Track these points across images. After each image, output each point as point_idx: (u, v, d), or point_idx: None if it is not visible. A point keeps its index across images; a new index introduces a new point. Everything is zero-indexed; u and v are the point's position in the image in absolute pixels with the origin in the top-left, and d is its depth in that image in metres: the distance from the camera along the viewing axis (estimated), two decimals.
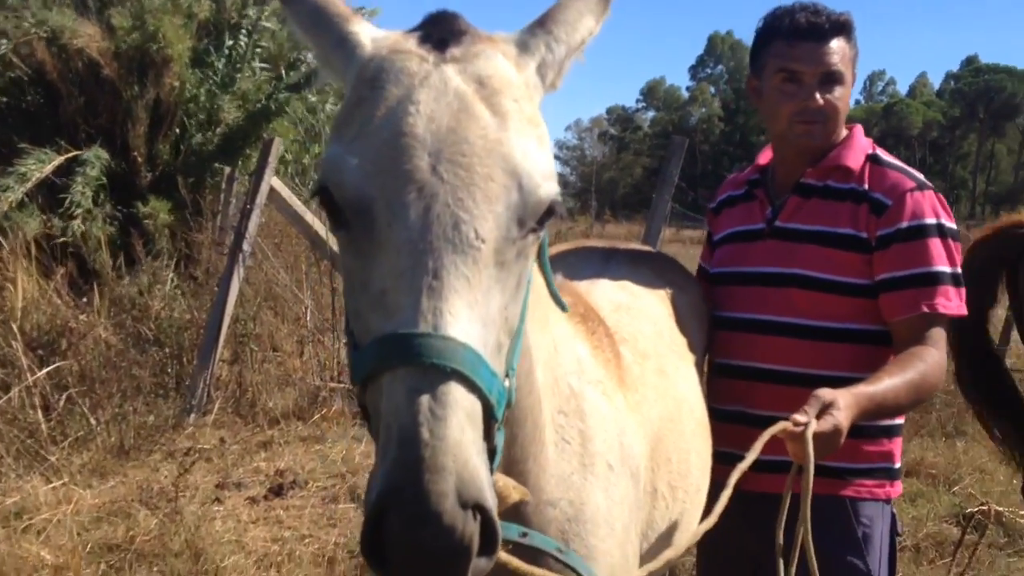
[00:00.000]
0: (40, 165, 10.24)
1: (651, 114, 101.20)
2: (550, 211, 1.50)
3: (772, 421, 2.25)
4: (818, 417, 2.22)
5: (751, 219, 2.99)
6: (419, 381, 1.30)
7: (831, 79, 2.76)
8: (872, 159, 2.82)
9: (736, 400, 2.84)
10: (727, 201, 3.19)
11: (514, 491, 1.66)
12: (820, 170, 2.83)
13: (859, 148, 2.85)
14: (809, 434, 2.16)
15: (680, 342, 2.71)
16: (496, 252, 1.42)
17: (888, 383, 2.44)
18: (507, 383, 1.48)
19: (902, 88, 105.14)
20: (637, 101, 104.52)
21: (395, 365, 1.33)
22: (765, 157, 3.10)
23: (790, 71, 2.77)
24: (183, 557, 5.17)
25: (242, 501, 6.26)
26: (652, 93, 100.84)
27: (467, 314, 1.36)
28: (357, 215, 1.45)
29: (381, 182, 1.42)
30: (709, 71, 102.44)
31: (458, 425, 1.28)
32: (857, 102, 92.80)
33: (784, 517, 2.27)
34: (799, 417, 2.21)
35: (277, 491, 6.41)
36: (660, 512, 2.32)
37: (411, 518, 1.23)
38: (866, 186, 2.75)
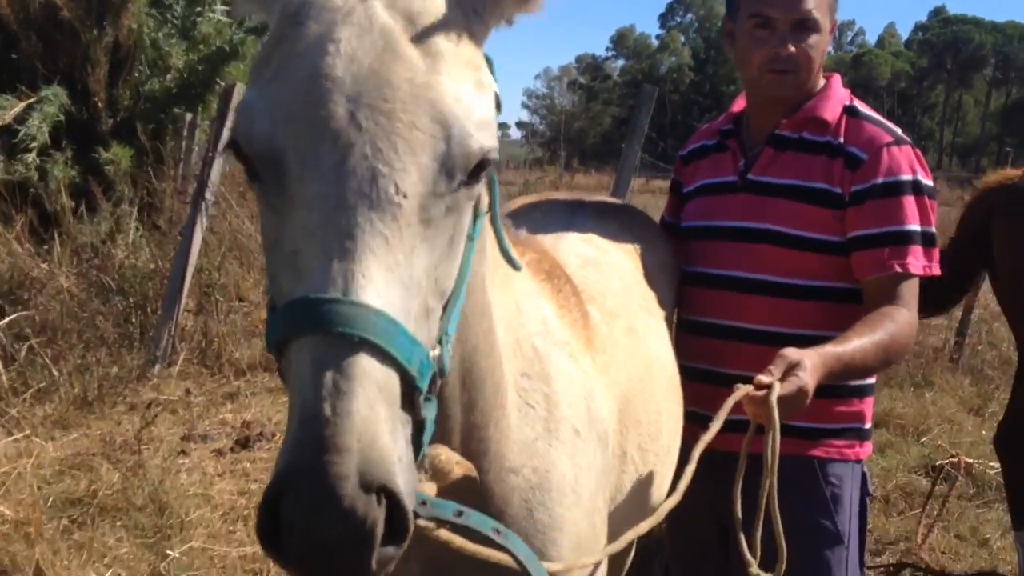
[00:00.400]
0: (1, 112, 9.96)
1: (621, 63, 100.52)
2: (483, 163, 1.38)
3: (740, 380, 2.22)
4: (783, 378, 2.18)
5: (723, 171, 2.92)
6: (324, 352, 1.21)
7: (805, 26, 2.67)
8: (849, 111, 2.75)
9: (704, 358, 2.80)
10: (698, 151, 3.11)
11: (457, 466, 1.58)
12: (795, 121, 2.76)
13: (836, 99, 2.78)
14: (773, 398, 2.11)
15: (650, 297, 2.65)
16: (421, 208, 1.31)
17: (856, 343, 2.40)
18: (437, 351, 1.37)
19: (871, 38, 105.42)
20: (607, 49, 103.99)
21: (301, 333, 1.23)
22: (739, 105, 3.02)
23: (762, 16, 2.68)
24: (147, 511, 5.11)
25: (208, 454, 6.19)
26: (622, 41, 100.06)
27: (384, 277, 1.25)
28: (267, 168, 1.33)
29: (293, 130, 1.30)
30: (679, 19, 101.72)
31: (365, 400, 1.18)
32: (827, 52, 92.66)
33: (740, 481, 2.22)
34: (763, 378, 2.17)
35: (244, 443, 6.35)
36: (629, 476, 2.27)
37: (307, 502, 1.14)
38: (842, 139, 2.69)
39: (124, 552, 4.74)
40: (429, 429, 1.36)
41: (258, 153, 1.33)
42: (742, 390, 2.17)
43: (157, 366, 7.70)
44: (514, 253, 1.72)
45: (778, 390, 2.13)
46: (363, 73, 1.31)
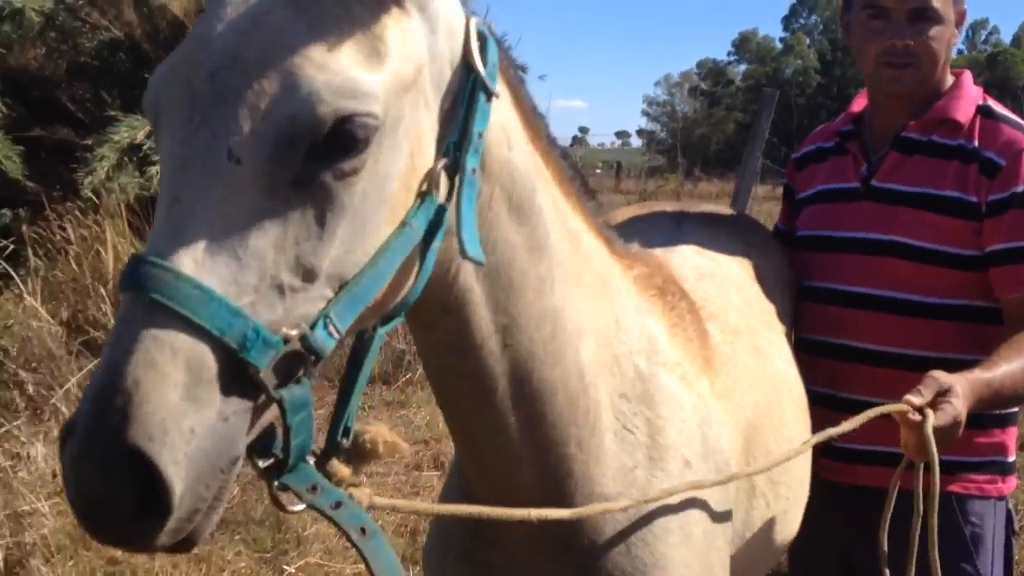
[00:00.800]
0: (132, 132, 10.36)
1: (743, 67, 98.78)
2: (342, 135, 1.27)
3: (863, 405, 2.03)
4: (933, 403, 1.97)
5: (843, 177, 2.71)
6: (126, 311, 1.19)
7: (923, 16, 2.45)
8: (983, 111, 2.52)
9: (823, 381, 2.57)
10: (814, 154, 2.89)
11: (383, 446, 1.48)
12: (924, 123, 2.54)
13: (968, 98, 2.54)
14: (929, 428, 1.90)
15: (770, 311, 2.47)
16: (259, 176, 1.24)
17: (1005, 369, 2.16)
18: (296, 331, 1.24)
19: (1006, 37, 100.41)
20: (729, 54, 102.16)
21: (121, 290, 1.23)
22: (859, 104, 2.81)
23: (876, 6, 2.48)
24: (265, 525, 5.16)
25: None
26: (744, 45, 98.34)
27: (205, 244, 1.20)
28: (153, 131, 1.35)
29: (168, 93, 1.31)
30: (803, 21, 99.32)
31: (144, 363, 1.14)
32: (960, 52, 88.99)
33: (887, 523, 2.05)
34: (913, 399, 1.95)
35: None
36: (759, 512, 2.10)
37: (71, 453, 1.15)
38: (976, 143, 2.46)
39: (242, 567, 4.79)
40: (297, 411, 1.27)
41: (147, 116, 1.37)
42: (891, 406, 1.96)
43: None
44: (476, 247, 1.48)
45: (933, 419, 1.93)
46: (233, 35, 1.29)
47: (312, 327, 1.26)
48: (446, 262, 1.49)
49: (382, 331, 1.46)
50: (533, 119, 1.71)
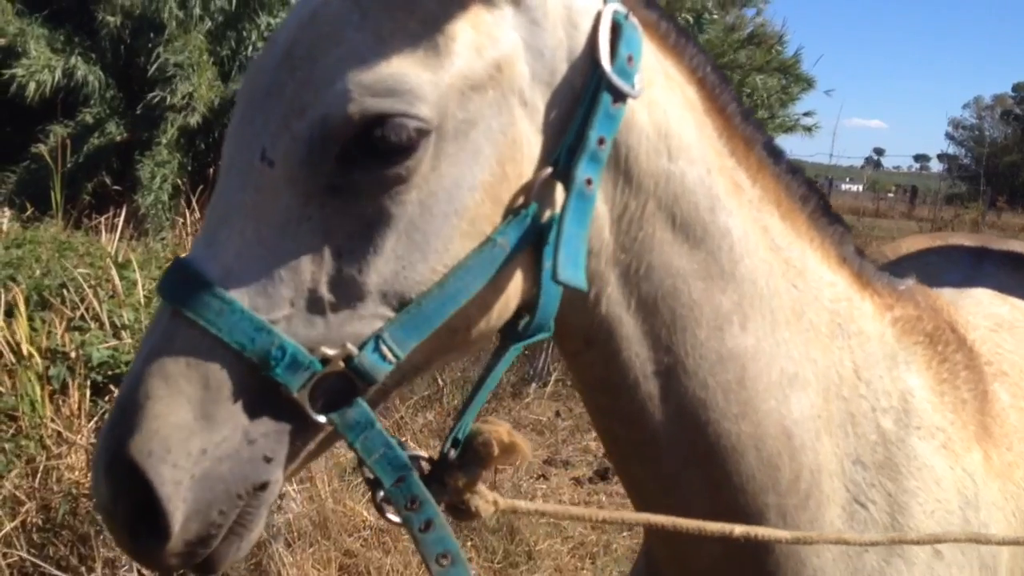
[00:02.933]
0: None
1: None
2: (375, 138, 1.13)
3: None
4: None
5: None
6: (156, 317, 1.16)
7: None
8: None
9: None
10: None
11: (498, 447, 1.27)
12: None
13: None
14: None
15: None
16: (295, 180, 1.14)
17: None
18: (336, 351, 1.14)
19: None
20: None
21: (157, 293, 1.19)
22: None
23: None
24: (499, 534, 5.04)
25: (567, 481, 6.08)
26: None
27: (236, 252, 1.13)
28: None
29: (240, 89, 1.27)
30: None
31: (160, 375, 1.09)
32: None
33: None
34: None
35: (603, 475, 6.16)
36: None
37: (92, 462, 1.14)
38: None
39: (473, 575, 4.68)
40: (356, 433, 1.17)
41: None
42: None
43: (533, 384, 7.77)
44: (575, 269, 1.26)
45: None
46: (294, 27, 1.20)
47: (361, 348, 1.16)
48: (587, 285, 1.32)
49: (518, 345, 1.31)
50: (741, 128, 1.45)
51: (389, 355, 1.17)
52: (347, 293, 1.15)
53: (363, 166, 1.14)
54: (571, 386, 7.93)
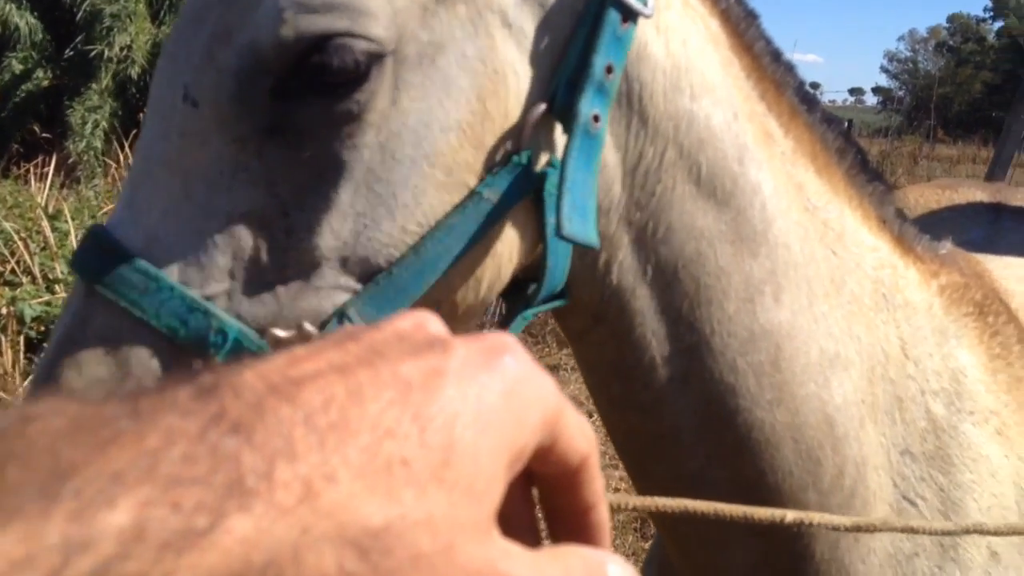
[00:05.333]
0: None
1: (999, 24, 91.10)
2: (315, 66, 0.91)
3: None
4: None
5: None
6: (71, 296, 0.97)
7: None
8: None
9: None
10: None
11: None
12: None
13: None
14: None
15: None
16: (223, 123, 0.92)
17: None
18: (290, 333, 0.92)
19: None
20: (985, 10, 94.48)
21: (71, 268, 0.99)
22: None
23: None
24: None
25: None
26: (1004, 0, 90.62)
27: (161, 213, 0.93)
28: None
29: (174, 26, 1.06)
30: None
31: (72, 364, 0.90)
32: None
33: None
34: None
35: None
36: None
37: None
38: None
39: None
40: None
41: None
42: None
43: (487, 331, 7.69)
44: (585, 224, 1.06)
45: None
46: None
47: (322, 327, 0.94)
48: (591, 251, 1.11)
49: (527, 313, 1.10)
50: (771, 70, 1.27)
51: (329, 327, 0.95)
52: (298, 260, 0.95)
53: (305, 101, 0.93)
54: (523, 332, 7.88)
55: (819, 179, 1.31)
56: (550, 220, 1.03)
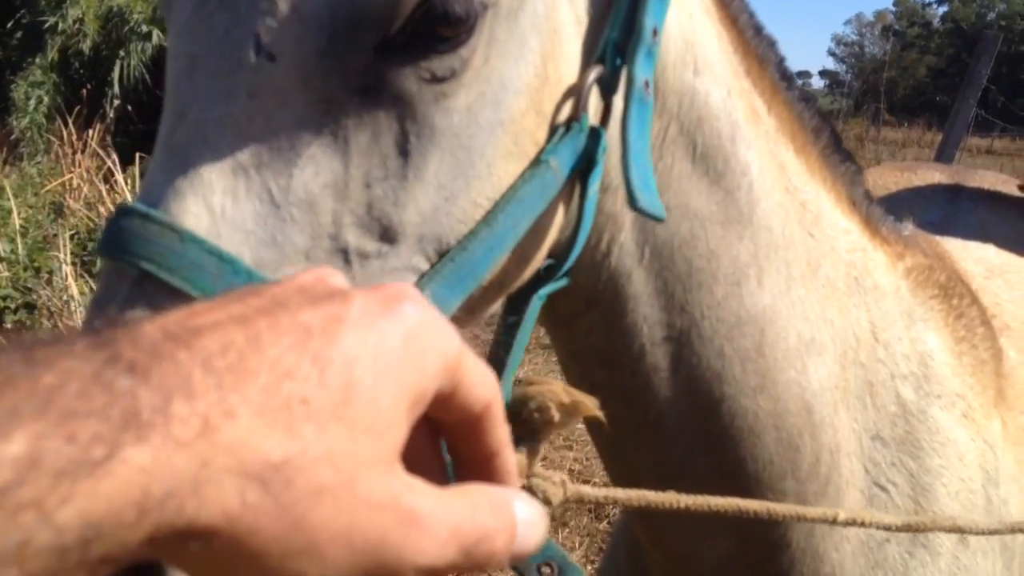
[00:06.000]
0: None
1: (944, 9, 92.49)
2: (432, 16, 0.81)
3: None
4: None
5: None
6: (104, 287, 0.79)
7: None
8: None
9: None
10: None
11: (558, 409, 0.97)
12: None
13: None
14: None
15: None
16: (309, 80, 0.80)
17: None
18: None
19: None
20: None
21: (101, 254, 0.81)
22: None
23: None
24: None
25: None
26: None
27: (224, 186, 0.79)
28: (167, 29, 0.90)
29: None
30: None
31: None
32: None
33: None
34: None
35: None
36: None
37: None
38: None
39: None
40: None
41: (160, 8, 0.94)
42: None
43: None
44: (653, 195, 1.02)
45: None
46: None
47: None
48: (596, 230, 1.06)
49: (541, 294, 1.03)
50: (755, 44, 1.23)
51: None
52: (379, 238, 0.85)
53: (409, 56, 0.82)
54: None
55: (798, 159, 1.28)
56: (592, 190, 0.98)
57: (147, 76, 11.44)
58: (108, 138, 9.88)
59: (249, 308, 0.49)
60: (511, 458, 0.63)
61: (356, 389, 0.48)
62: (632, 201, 0.97)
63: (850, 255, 1.33)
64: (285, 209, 0.80)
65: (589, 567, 4.25)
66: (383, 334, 0.51)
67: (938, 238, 1.74)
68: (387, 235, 0.85)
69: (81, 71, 11.08)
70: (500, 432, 0.61)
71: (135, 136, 10.40)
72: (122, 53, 11.05)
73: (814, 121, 1.33)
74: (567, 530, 4.48)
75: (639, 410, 1.19)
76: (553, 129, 0.94)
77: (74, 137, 9.06)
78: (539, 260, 1.00)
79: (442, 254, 0.87)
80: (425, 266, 0.87)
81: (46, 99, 10.33)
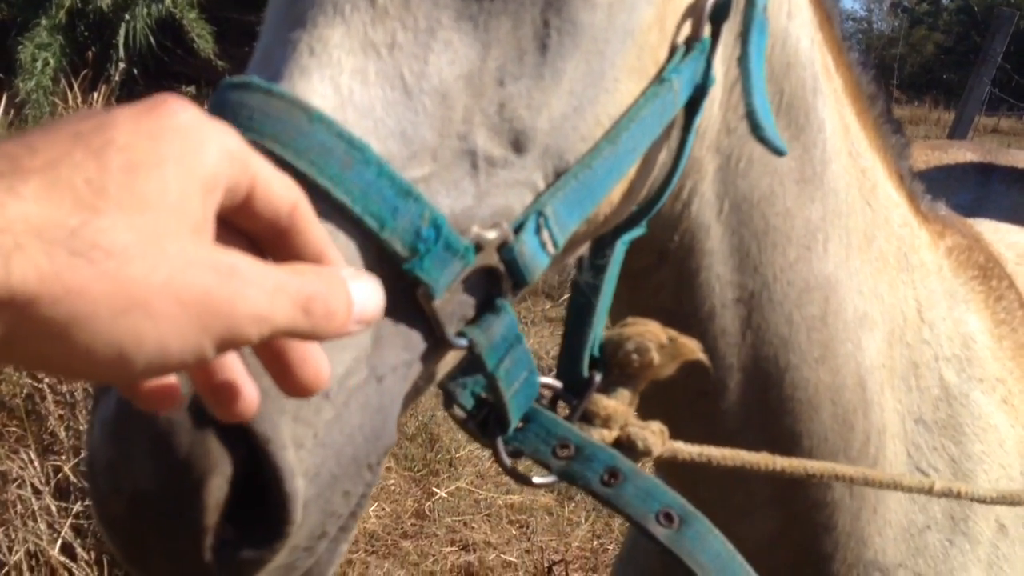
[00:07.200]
0: None
1: None
2: None
3: None
4: None
5: None
6: None
7: None
8: None
9: None
10: None
11: (658, 351, 0.94)
12: None
13: None
14: None
15: None
16: None
17: None
18: (495, 234, 0.76)
19: None
20: None
21: None
22: None
23: None
24: (418, 441, 4.98)
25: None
26: None
27: (354, 65, 0.71)
28: None
29: None
30: None
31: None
32: None
33: None
34: None
35: None
36: None
37: (102, 422, 0.66)
38: None
39: (391, 483, 4.61)
40: (500, 355, 0.78)
41: None
42: None
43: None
44: (776, 136, 0.96)
45: None
46: None
47: (517, 230, 0.77)
48: (681, 176, 0.99)
49: (626, 239, 0.97)
50: None
51: (549, 244, 0.79)
52: (508, 143, 0.77)
53: None
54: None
55: (858, 123, 1.24)
56: (695, 126, 0.93)
57: (152, 39, 11.37)
58: (113, 101, 9.84)
59: (24, 136, 0.50)
60: (338, 257, 0.59)
61: (139, 171, 0.49)
62: (756, 129, 0.93)
63: (901, 229, 1.30)
64: (417, 99, 0.72)
65: (595, 542, 4.25)
66: (153, 127, 0.51)
67: (970, 220, 1.71)
68: (517, 142, 0.77)
69: (87, 33, 11.00)
70: (316, 231, 0.59)
71: (140, 99, 10.36)
72: (127, 17, 10.99)
73: (871, 87, 1.29)
74: (573, 504, 4.47)
75: (700, 377, 1.10)
76: (672, 49, 0.89)
77: (79, 100, 9.01)
78: (641, 197, 0.95)
79: (559, 174, 0.80)
80: (542, 185, 0.80)
81: (52, 61, 10.26)
